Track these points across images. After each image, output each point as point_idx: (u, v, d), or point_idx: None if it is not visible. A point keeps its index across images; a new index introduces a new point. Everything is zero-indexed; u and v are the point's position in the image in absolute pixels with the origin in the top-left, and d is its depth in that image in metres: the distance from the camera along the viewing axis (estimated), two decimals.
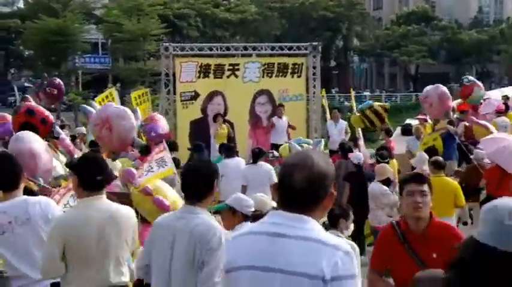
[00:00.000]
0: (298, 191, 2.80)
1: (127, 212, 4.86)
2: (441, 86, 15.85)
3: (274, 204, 7.38)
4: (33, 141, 9.12)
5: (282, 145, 15.75)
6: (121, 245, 4.71)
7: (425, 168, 11.02)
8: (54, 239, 4.66)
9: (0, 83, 66.03)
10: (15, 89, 52.69)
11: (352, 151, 13.27)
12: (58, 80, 16.28)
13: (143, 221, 7.41)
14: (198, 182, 4.56)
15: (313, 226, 2.80)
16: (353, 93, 21.31)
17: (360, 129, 16.59)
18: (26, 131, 9.67)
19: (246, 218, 5.84)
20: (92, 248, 4.62)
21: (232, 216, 5.88)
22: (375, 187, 10.34)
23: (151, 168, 8.07)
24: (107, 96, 16.58)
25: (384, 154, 12.14)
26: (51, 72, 54.38)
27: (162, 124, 14.49)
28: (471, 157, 12.60)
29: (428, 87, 15.89)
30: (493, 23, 73.91)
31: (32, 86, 74.63)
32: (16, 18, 60.39)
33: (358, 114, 16.63)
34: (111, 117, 11.64)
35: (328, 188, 2.83)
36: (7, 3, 74.60)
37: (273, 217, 2.88)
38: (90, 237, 4.63)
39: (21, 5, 66.51)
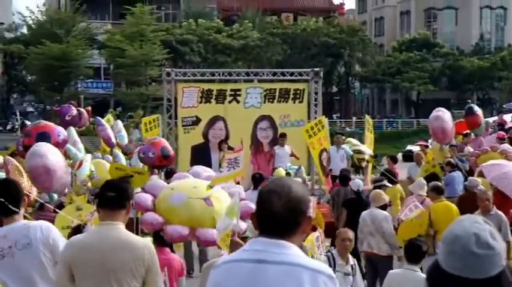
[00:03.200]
0: (276, 216, 2.83)
1: (139, 242, 4.78)
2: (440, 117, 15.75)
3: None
4: (49, 155, 9.08)
5: None
6: (127, 275, 4.65)
7: (423, 193, 11.03)
8: (62, 261, 4.70)
9: (2, 108, 66.17)
10: (18, 113, 52.80)
11: (350, 178, 13.31)
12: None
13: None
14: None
15: (294, 251, 2.82)
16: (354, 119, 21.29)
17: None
18: (42, 144, 9.61)
19: None
20: (96, 274, 4.61)
21: None
22: (376, 212, 10.24)
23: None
24: (152, 121, 18.08)
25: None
26: (54, 97, 54.76)
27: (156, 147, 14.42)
28: (465, 183, 12.56)
29: (431, 117, 15.85)
30: (494, 50, 74.21)
31: (34, 111, 75.00)
32: (20, 43, 60.71)
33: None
34: None
35: (305, 213, 2.87)
36: (11, 28, 75.06)
37: (254, 244, 2.90)
38: (94, 263, 4.60)
39: (24, 30, 66.86)
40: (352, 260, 7.92)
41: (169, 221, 5.22)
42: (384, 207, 10.36)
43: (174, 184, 5.70)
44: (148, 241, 4.97)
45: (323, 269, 2.81)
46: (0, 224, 5.43)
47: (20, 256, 4.95)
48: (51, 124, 12.17)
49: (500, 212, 9.62)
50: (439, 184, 11.18)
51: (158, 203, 5.41)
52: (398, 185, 12.87)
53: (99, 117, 17.38)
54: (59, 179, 8.97)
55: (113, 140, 16.64)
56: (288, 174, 14.78)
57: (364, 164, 16.84)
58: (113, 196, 4.72)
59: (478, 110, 17.96)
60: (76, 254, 4.65)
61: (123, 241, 4.68)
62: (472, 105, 18.26)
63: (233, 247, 4.84)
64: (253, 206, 5.18)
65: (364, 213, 10.39)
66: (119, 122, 17.11)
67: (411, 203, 10.62)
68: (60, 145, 11.21)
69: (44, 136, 11.07)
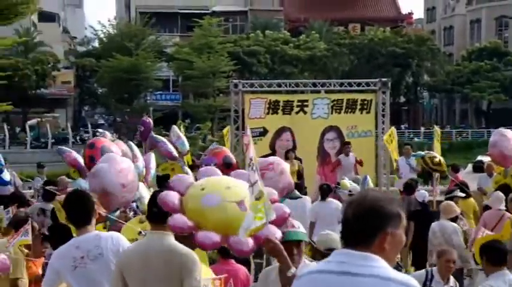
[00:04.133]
0: (348, 224, 2.90)
1: (181, 250, 4.84)
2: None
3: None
4: (107, 176, 9.07)
5: None
6: (168, 281, 4.76)
7: (502, 207, 10.73)
8: (115, 267, 4.92)
9: (74, 120, 67.73)
10: (89, 125, 53.99)
11: (415, 188, 13.15)
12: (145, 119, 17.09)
13: None
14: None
15: (381, 264, 2.81)
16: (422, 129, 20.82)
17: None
18: (106, 158, 9.59)
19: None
20: (141, 280, 4.76)
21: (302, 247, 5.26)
22: (446, 224, 10.07)
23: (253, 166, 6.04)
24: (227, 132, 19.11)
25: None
26: (124, 109, 55.79)
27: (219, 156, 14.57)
28: None
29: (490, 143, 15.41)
30: None
31: (104, 123, 76.56)
32: (91, 57, 62.19)
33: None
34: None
35: (381, 228, 2.85)
36: (83, 42, 77.01)
37: (338, 255, 2.93)
38: (138, 268, 4.77)
39: (96, 44, 68.45)
40: (453, 282, 7.61)
41: (200, 225, 4.67)
42: (454, 219, 10.18)
43: (204, 182, 5.04)
44: (190, 250, 4.99)
45: (409, 282, 2.81)
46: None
47: (92, 266, 5.07)
48: (110, 138, 12.29)
49: None
50: None
51: (186, 202, 4.83)
52: (472, 199, 12.57)
53: (154, 135, 17.42)
54: (116, 199, 9.00)
55: (174, 153, 16.79)
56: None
57: (436, 160, 16.42)
58: (156, 211, 4.87)
59: None
60: (125, 261, 4.83)
61: (165, 248, 4.80)
62: None
63: (272, 253, 4.79)
64: (288, 210, 5.08)
65: (433, 225, 10.24)
66: (174, 128, 17.14)
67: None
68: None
69: (107, 150, 11.17)
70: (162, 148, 16.83)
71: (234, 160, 14.59)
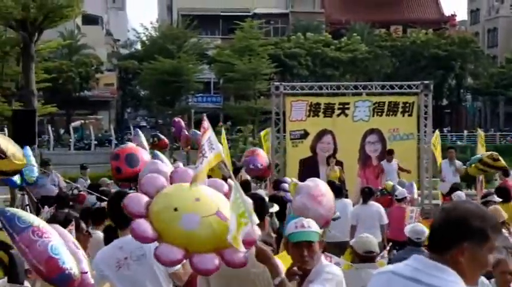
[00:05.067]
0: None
1: None
2: None
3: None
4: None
5: None
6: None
7: None
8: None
9: (117, 122, 68.44)
10: (131, 127, 54.51)
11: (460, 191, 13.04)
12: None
13: None
14: None
15: (452, 278, 2.77)
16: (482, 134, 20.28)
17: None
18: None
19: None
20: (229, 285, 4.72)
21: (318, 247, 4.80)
22: None
23: (205, 152, 6.11)
24: (266, 134, 19.09)
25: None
26: (165, 111, 56.24)
27: (261, 158, 14.70)
28: None
29: None
30: None
31: (146, 125, 77.22)
32: (134, 59, 62.81)
33: (473, 166, 16.20)
34: None
35: (458, 240, 2.79)
36: (126, 45, 77.81)
37: (415, 261, 2.91)
38: (228, 275, 4.64)
39: (138, 46, 69.11)
40: None
41: (190, 250, 4.17)
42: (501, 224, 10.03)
43: (170, 198, 4.41)
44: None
45: None
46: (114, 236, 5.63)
47: (135, 267, 5.11)
48: (135, 146, 12.28)
49: None
50: None
51: (158, 221, 4.27)
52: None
53: (195, 131, 17.72)
54: None
55: None
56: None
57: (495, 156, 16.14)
58: None
59: None
60: None
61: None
62: None
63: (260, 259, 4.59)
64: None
65: None
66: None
67: None
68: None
69: (132, 158, 11.22)
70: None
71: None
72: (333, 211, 7.69)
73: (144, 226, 4.23)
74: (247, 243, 4.24)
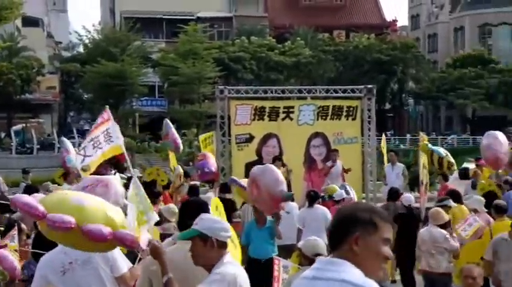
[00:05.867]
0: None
1: None
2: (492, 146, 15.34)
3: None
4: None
5: None
6: None
7: (478, 209, 10.93)
8: (143, 273, 4.86)
9: (59, 126, 67.45)
10: (75, 131, 53.81)
11: (400, 194, 13.23)
12: None
13: None
14: None
15: (345, 268, 2.94)
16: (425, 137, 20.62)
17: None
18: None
19: (224, 247, 4.59)
20: None
21: (204, 245, 4.55)
22: (434, 231, 10.09)
23: (99, 143, 5.90)
24: (207, 138, 18.50)
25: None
26: None
27: (212, 162, 14.73)
28: None
29: (482, 147, 15.48)
30: None
31: (89, 128, 76.28)
32: (76, 62, 61.98)
33: (428, 147, 16.50)
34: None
35: (349, 231, 2.98)
36: (68, 47, 76.77)
37: (317, 262, 3.10)
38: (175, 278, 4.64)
39: (81, 49, 68.28)
40: None
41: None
42: (443, 226, 10.20)
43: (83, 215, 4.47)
44: None
45: (369, 285, 2.89)
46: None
47: (80, 272, 5.04)
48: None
49: None
50: (502, 202, 10.97)
51: (53, 204, 4.45)
52: (464, 206, 12.59)
53: (167, 121, 17.76)
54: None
55: (180, 145, 17.21)
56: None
57: (453, 169, 16.46)
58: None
59: None
60: (157, 268, 4.68)
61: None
62: None
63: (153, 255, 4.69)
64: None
65: (422, 231, 10.28)
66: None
67: (470, 218, 10.49)
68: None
69: None
70: (175, 135, 17.02)
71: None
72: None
73: (32, 200, 4.34)
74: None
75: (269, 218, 10.43)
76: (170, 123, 17.79)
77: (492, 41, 77.51)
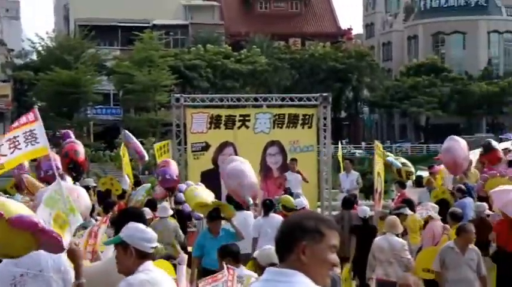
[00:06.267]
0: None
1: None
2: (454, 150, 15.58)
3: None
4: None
5: None
6: None
7: (435, 216, 11.05)
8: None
9: None
10: None
11: (354, 203, 13.28)
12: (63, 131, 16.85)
13: None
14: None
15: (298, 279, 2.92)
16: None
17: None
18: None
19: (144, 257, 4.53)
20: None
21: (124, 253, 4.55)
22: (393, 240, 10.11)
23: (18, 143, 5.77)
24: (163, 146, 18.22)
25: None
26: (63, 123, 54.95)
27: (174, 169, 14.65)
28: (473, 209, 12.45)
29: (443, 149, 15.71)
30: (503, 74, 74.13)
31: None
32: (29, 70, 61.09)
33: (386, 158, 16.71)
34: None
35: (295, 241, 2.97)
36: (20, 55, 75.64)
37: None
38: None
39: (34, 57, 67.33)
40: None
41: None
42: (399, 234, 10.27)
43: None
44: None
45: None
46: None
47: (32, 284, 4.93)
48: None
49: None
50: (458, 210, 11.09)
51: None
52: (417, 215, 12.70)
53: (127, 132, 17.57)
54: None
55: (144, 154, 17.06)
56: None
57: (412, 178, 16.63)
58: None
59: (497, 145, 17.47)
60: (97, 280, 4.64)
61: None
62: (490, 140, 17.42)
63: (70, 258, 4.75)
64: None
65: (380, 240, 10.27)
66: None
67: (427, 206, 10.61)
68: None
69: None
70: (136, 145, 16.85)
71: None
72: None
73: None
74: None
75: (226, 226, 10.36)
76: (130, 134, 17.66)
77: (445, 49, 78.73)
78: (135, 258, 4.47)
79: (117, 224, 4.78)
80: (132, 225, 4.65)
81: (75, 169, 12.26)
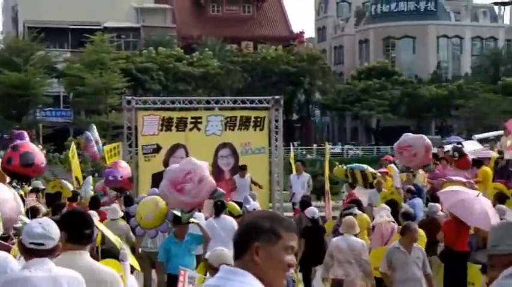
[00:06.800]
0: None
1: (106, 271, 4.77)
2: (426, 137, 15.88)
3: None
4: None
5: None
6: None
7: (385, 217, 11.17)
8: None
9: None
10: None
11: (310, 204, 13.36)
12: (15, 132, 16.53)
13: None
14: None
15: (245, 279, 2.92)
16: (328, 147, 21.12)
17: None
18: None
19: (29, 252, 4.45)
20: None
21: None
22: (352, 240, 10.16)
23: None
24: (113, 148, 18.21)
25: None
26: (12, 125, 54.10)
27: (122, 170, 14.45)
28: (425, 210, 12.65)
29: (411, 137, 15.85)
30: (452, 78, 75.41)
31: None
32: None
33: (345, 168, 16.80)
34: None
35: (249, 241, 2.96)
36: None
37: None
38: None
39: None
40: None
41: None
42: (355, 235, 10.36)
43: None
44: (113, 270, 4.94)
45: None
46: None
47: None
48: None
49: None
50: (410, 210, 11.26)
51: None
52: (366, 215, 12.84)
53: (89, 133, 17.38)
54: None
55: (98, 156, 16.95)
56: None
57: (378, 177, 16.77)
58: (89, 233, 4.71)
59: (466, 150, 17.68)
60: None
61: (89, 269, 4.63)
62: (459, 146, 17.49)
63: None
64: None
65: (337, 240, 10.28)
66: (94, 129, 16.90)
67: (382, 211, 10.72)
68: None
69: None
70: (93, 147, 16.65)
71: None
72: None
73: None
74: None
75: (192, 231, 10.28)
76: (91, 135, 17.52)
77: (395, 53, 79.76)
78: (23, 252, 4.43)
79: (60, 224, 4.71)
80: (31, 220, 4.59)
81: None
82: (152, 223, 10.57)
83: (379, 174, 16.99)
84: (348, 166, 17.25)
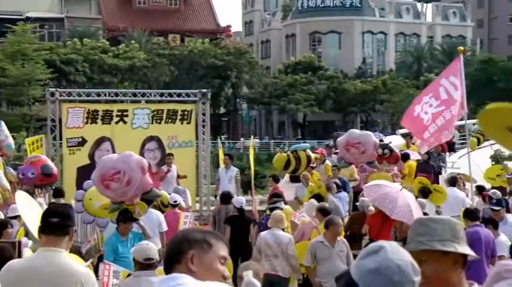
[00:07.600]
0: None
1: (81, 269, 4.69)
2: (372, 134, 16.21)
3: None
4: None
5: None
6: None
7: (305, 215, 11.31)
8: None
9: None
10: None
11: (231, 197, 13.52)
12: None
13: None
14: None
15: (183, 281, 2.80)
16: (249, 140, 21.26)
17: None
18: None
19: None
20: None
21: None
22: (280, 234, 10.19)
23: None
24: (36, 141, 17.52)
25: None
26: None
27: (33, 167, 14.04)
28: (357, 204, 12.83)
29: (358, 133, 16.11)
30: (376, 73, 76.77)
31: None
32: None
33: (288, 153, 16.94)
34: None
35: (183, 250, 2.98)
36: None
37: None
38: None
39: None
40: None
41: None
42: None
43: None
44: (88, 269, 4.89)
45: None
46: None
47: None
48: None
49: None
50: (326, 205, 11.39)
51: None
52: (289, 207, 12.94)
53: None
54: None
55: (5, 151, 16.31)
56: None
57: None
58: (57, 222, 4.60)
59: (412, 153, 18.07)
60: (13, 279, 4.48)
61: (65, 267, 4.57)
62: (386, 143, 17.74)
63: None
64: None
65: (265, 234, 10.30)
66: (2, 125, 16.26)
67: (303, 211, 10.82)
68: None
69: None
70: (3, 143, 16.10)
71: (54, 169, 14.11)
72: None
73: None
74: None
75: (135, 229, 10.12)
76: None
77: (322, 48, 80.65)
78: None
79: None
80: None
81: None
82: (97, 211, 10.50)
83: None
84: (291, 148, 17.42)
